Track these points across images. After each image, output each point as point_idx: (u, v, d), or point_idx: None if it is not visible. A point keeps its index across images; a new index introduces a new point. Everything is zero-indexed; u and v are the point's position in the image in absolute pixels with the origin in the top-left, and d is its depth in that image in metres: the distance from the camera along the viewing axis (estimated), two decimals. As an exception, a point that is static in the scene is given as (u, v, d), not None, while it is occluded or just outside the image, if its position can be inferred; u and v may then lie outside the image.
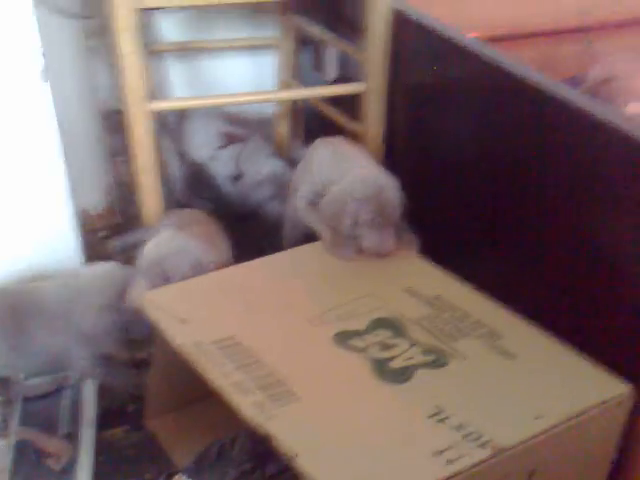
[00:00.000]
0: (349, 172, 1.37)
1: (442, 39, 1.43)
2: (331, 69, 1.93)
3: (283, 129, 2.06)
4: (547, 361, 1.07)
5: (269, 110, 2.09)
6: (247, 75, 2.10)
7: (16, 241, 1.44)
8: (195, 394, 1.06)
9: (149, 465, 1.19)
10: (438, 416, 0.96)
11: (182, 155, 1.87)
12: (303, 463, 0.88)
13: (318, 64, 2.00)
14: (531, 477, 0.96)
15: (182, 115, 1.94)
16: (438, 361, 1.07)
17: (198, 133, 1.87)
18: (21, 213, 1.44)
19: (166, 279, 1.26)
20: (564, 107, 1.17)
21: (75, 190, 1.53)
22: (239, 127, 1.86)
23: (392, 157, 1.64)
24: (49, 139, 1.41)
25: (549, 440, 0.94)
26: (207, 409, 1.10)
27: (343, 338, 1.11)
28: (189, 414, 1.24)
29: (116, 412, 1.27)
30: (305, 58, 2.09)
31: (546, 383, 1.03)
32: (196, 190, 1.88)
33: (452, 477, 0.87)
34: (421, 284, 1.23)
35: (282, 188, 1.70)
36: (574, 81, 1.75)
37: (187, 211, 1.56)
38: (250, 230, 1.71)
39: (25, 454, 1.16)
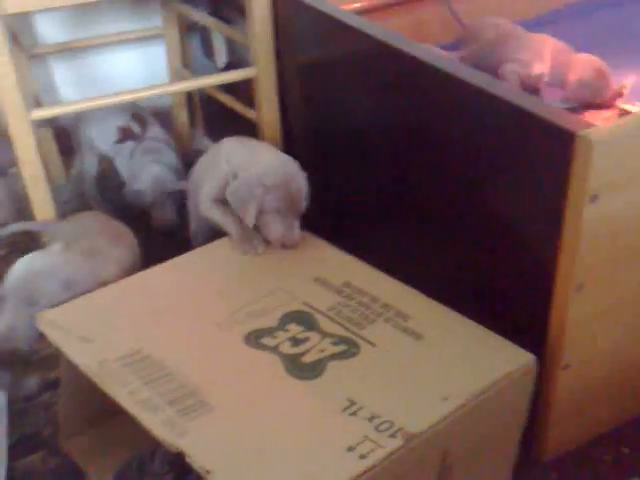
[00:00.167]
0: (258, 159, 1.35)
1: (321, 15, 1.43)
2: (221, 55, 1.90)
3: (182, 119, 2.03)
4: (453, 338, 1.10)
5: (167, 101, 2.05)
6: (138, 68, 2.06)
7: None
8: (109, 410, 1.05)
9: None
10: (350, 409, 0.98)
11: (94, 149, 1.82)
12: (216, 479, 0.88)
13: (208, 50, 1.97)
14: (446, 457, 0.98)
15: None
16: (349, 351, 1.08)
17: (96, 126, 1.81)
18: None
19: (32, 303, 1.22)
20: (438, 74, 1.18)
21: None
22: (138, 120, 1.81)
23: (289, 141, 1.63)
24: None
25: (458, 420, 0.97)
26: (123, 423, 1.08)
27: (254, 337, 1.11)
28: (105, 431, 1.22)
29: (30, 438, 1.24)
30: (195, 45, 2.05)
31: (453, 361, 1.06)
32: (102, 188, 1.83)
33: (366, 472, 0.89)
34: (330, 272, 1.24)
35: (162, 195, 1.68)
36: (453, 45, 1.77)
37: (88, 215, 1.52)
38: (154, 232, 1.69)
39: None
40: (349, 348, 1.08)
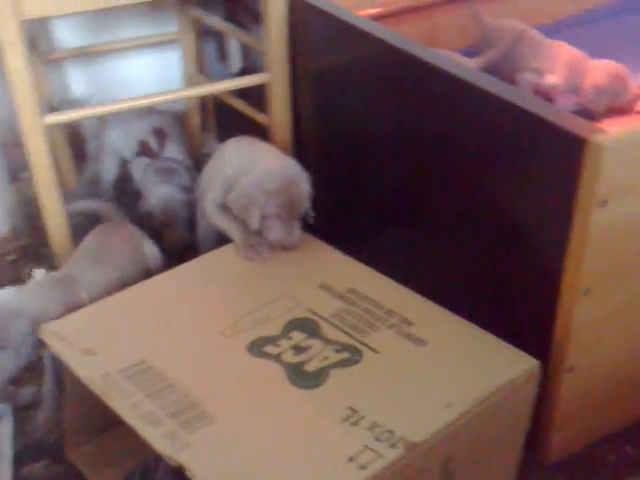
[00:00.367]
0: (260, 163, 1.34)
1: (337, 21, 1.42)
2: (235, 60, 1.90)
3: (194, 124, 2.03)
4: (457, 344, 1.09)
5: (180, 105, 2.06)
6: (153, 73, 2.07)
7: None
8: (113, 419, 1.04)
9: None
10: (352, 418, 0.97)
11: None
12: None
13: (222, 56, 1.97)
14: (447, 464, 0.97)
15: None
16: (351, 359, 1.07)
17: (119, 130, 1.81)
18: None
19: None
20: (454, 81, 1.18)
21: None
22: (158, 135, 1.79)
23: (300, 146, 1.62)
24: None
25: (461, 427, 0.96)
26: (128, 433, 1.08)
27: (257, 346, 1.10)
28: (110, 440, 1.22)
29: (34, 446, 1.24)
30: (210, 50, 2.06)
31: (456, 367, 1.05)
32: (119, 193, 1.84)
33: (366, 482, 0.88)
34: (335, 278, 1.23)
35: (171, 216, 1.65)
36: (470, 50, 1.76)
37: (110, 226, 1.50)
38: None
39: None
40: (352, 356, 1.07)
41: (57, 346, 1.10)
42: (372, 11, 1.76)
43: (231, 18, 1.86)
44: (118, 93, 2.01)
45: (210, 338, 1.12)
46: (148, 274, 1.36)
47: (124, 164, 1.82)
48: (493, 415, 1.00)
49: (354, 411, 0.97)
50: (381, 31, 1.33)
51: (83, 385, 1.06)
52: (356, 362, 1.06)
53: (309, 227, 1.34)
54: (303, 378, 1.04)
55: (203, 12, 1.86)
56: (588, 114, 1.58)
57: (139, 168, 1.75)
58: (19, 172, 1.89)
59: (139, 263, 1.41)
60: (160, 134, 1.78)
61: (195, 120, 2.03)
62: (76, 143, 1.98)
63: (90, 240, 1.42)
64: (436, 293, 1.17)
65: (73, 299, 1.28)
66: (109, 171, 1.83)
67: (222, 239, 1.37)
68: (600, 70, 1.60)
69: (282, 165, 1.34)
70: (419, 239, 1.35)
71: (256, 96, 1.68)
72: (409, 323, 1.12)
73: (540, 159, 1.07)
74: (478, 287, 1.23)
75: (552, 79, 1.61)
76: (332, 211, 1.49)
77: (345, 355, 1.07)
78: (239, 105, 1.74)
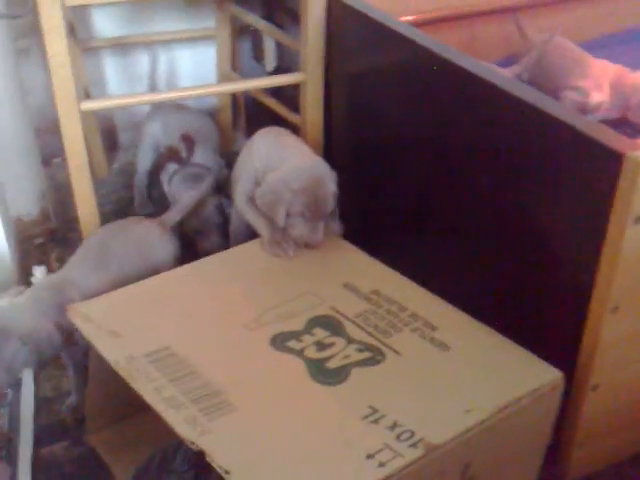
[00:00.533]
0: (288, 160, 1.35)
1: (377, 25, 1.42)
2: (271, 59, 1.91)
3: (225, 121, 2.04)
4: (480, 351, 1.08)
5: (212, 101, 2.07)
6: (187, 68, 2.08)
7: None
8: (136, 405, 1.05)
9: (90, 481, 1.18)
10: (372, 417, 0.97)
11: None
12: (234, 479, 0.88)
13: (258, 54, 1.98)
14: (466, 469, 0.97)
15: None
16: (374, 359, 1.07)
17: (159, 122, 1.81)
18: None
19: None
20: (491, 90, 1.17)
21: (7, 197, 1.50)
22: (186, 141, 1.76)
23: (330, 147, 1.63)
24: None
25: (481, 433, 0.95)
26: (149, 419, 1.09)
27: (280, 340, 1.11)
28: (131, 425, 1.23)
29: (55, 428, 1.26)
30: (246, 48, 2.07)
31: (479, 374, 1.04)
32: (154, 183, 1.84)
33: (385, 480, 0.88)
34: (359, 279, 1.23)
35: (204, 222, 1.62)
36: (509, 61, 1.76)
37: (118, 225, 1.43)
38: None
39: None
40: (374, 356, 1.07)
41: (85, 327, 1.12)
42: (409, 18, 1.76)
43: (268, 16, 1.88)
44: (151, 85, 2.06)
45: (234, 330, 1.13)
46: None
47: (161, 155, 1.80)
48: (514, 424, 1.00)
49: (374, 410, 0.98)
50: (421, 37, 1.33)
51: (106, 371, 1.08)
52: (378, 362, 1.06)
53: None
54: (324, 374, 1.04)
55: (241, 9, 1.87)
56: (635, 128, 1.57)
57: (167, 174, 1.73)
58: (52, 157, 1.91)
59: (146, 269, 1.33)
60: (188, 140, 1.76)
61: (226, 117, 2.04)
62: (108, 134, 2.00)
63: (94, 240, 1.38)
64: (461, 300, 1.17)
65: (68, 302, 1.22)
66: (145, 161, 1.83)
67: (253, 234, 1.38)
68: None
69: (310, 164, 1.34)
70: (446, 246, 1.35)
71: (289, 96, 1.69)
72: (433, 327, 1.12)
73: (575, 172, 1.07)
74: (504, 298, 1.23)
75: (597, 97, 1.60)
76: (359, 212, 1.49)
77: (367, 355, 1.08)
78: (272, 104, 1.75)
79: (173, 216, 1.48)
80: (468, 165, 1.27)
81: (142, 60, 2.05)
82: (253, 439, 0.94)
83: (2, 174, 1.49)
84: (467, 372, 1.05)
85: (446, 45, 1.30)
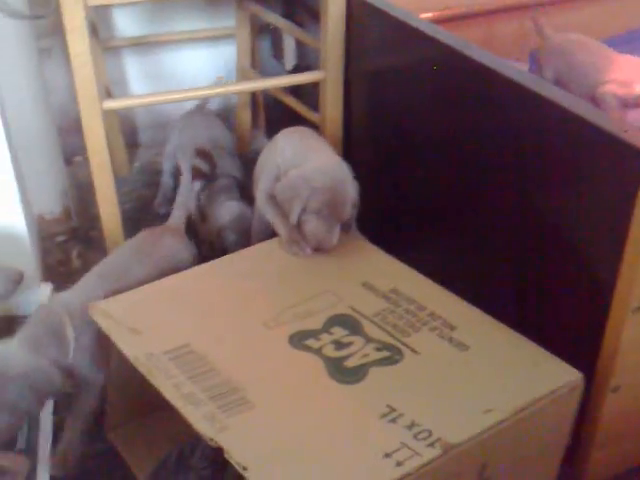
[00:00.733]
0: (311, 159, 1.35)
1: (397, 22, 1.42)
2: (290, 57, 1.92)
3: (244, 119, 2.05)
4: (499, 351, 1.08)
5: (231, 99, 2.08)
6: (207, 66, 2.09)
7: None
8: (155, 402, 1.06)
9: (109, 477, 1.18)
10: (390, 415, 0.97)
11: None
12: (252, 476, 0.88)
13: (277, 52, 1.99)
14: (483, 470, 0.97)
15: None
16: (392, 358, 1.07)
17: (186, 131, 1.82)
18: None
19: None
20: (514, 87, 1.17)
21: (29, 195, 1.52)
22: (203, 156, 1.73)
23: (349, 145, 1.63)
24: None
25: (499, 434, 0.95)
26: (169, 416, 1.10)
27: (299, 339, 1.11)
28: (150, 422, 1.24)
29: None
30: (265, 46, 2.07)
31: (498, 374, 1.04)
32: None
33: (402, 479, 0.88)
34: (377, 278, 1.23)
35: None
36: (532, 57, 1.74)
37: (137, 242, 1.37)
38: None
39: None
40: (392, 355, 1.07)
41: (105, 324, 1.13)
42: (428, 15, 1.76)
43: (288, 15, 1.88)
44: (172, 84, 2.07)
45: (252, 328, 1.13)
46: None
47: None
48: (532, 425, 1.00)
49: (392, 409, 0.98)
50: (443, 34, 1.33)
51: (126, 368, 1.09)
52: (396, 361, 1.06)
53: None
54: (343, 373, 1.04)
55: (261, 8, 1.88)
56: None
57: (195, 192, 1.66)
58: (74, 156, 1.93)
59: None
60: (204, 155, 1.73)
61: (246, 116, 2.05)
62: (130, 132, 2.02)
63: (109, 261, 1.31)
64: (480, 300, 1.16)
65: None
66: (170, 165, 1.82)
67: (274, 234, 1.37)
68: None
69: (333, 166, 1.34)
70: (466, 245, 1.34)
71: (308, 94, 1.69)
72: (452, 327, 1.12)
73: (599, 171, 1.06)
74: (524, 297, 1.22)
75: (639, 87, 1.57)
76: (377, 210, 1.49)
77: (385, 354, 1.08)
78: (291, 102, 1.75)
79: (178, 215, 1.47)
80: (490, 164, 1.26)
81: (163, 59, 2.07)
82: (271, 436, 0.95)
83: (25, 172, 1.50)
84: (486, 372, 1.04)
85: (468, 42, 1.29)
